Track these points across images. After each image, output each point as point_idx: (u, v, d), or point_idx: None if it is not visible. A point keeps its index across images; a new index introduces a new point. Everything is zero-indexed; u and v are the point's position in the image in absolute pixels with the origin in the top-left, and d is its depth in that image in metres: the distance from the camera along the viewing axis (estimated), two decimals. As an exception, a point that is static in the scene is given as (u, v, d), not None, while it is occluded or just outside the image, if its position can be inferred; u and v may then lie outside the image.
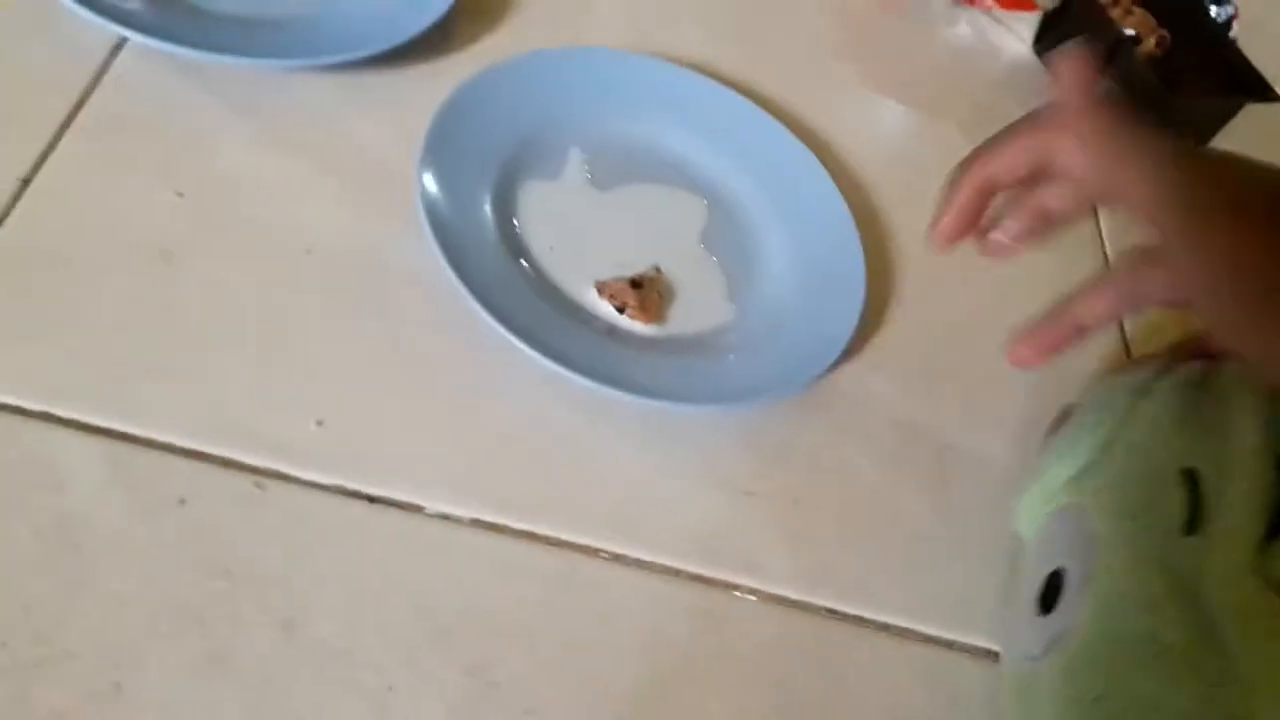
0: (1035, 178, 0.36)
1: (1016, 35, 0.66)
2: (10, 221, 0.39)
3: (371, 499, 0.38)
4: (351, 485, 0.38)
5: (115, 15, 0.43)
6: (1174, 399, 0.38)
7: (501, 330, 0.40)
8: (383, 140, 0.46)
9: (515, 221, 0.45)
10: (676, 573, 0.39)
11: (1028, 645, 0.36)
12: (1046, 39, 0.64)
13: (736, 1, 0.60)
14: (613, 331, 0.44)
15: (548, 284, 0.44)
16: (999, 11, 0.66)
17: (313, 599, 0.35)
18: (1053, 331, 0.36)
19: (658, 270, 0.46)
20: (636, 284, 0.45)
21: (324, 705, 0.33)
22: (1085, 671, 0.33)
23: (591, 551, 0.39)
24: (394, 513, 0.38)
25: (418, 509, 0.38)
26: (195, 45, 0.44)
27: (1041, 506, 0.40)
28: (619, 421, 0.42)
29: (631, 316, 0.44)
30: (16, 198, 0.40)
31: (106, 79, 0.44)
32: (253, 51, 0.45)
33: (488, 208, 0.45)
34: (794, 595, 0.39)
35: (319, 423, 0.38)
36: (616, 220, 0.48)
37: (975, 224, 0.38)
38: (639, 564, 0.39)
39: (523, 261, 0.44)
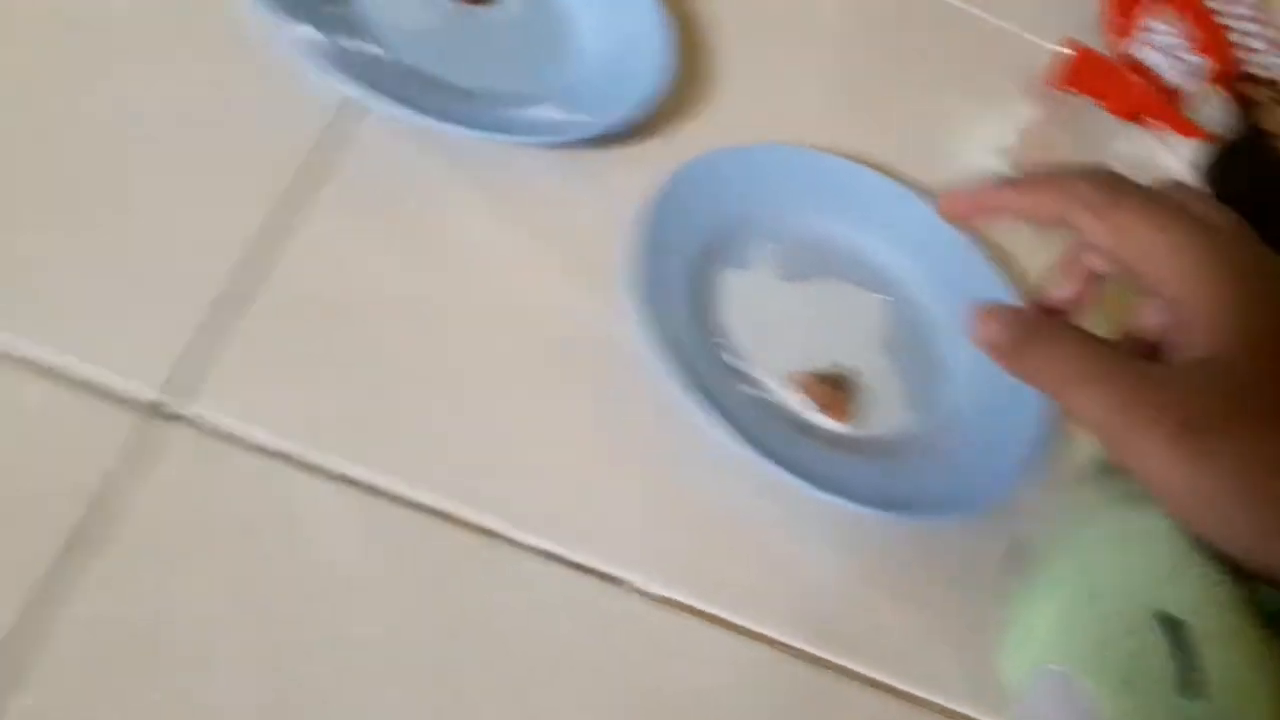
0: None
1: (1179, 157, 0.67)
2: (273, 276, 0.42)
3: (580, 567, 0.40)
4: (564, 553, 0.40)
5: (360, 76, 0.46)
6: (1128, 528, 0.35)
7: (700, 412, 0.42)
8: (595, 218, 0.49)
9: (710, 308, 0.48)
10: (856, 675, 0.40)
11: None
12: (1213, 168, 0.65)
13: (925, 111, 0.62)
14: (803, 426, 0.45)
15: (740, 371, 0.46)
16: (1165, 134, 0.67)
17: (535, 666, 0.37)
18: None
19: (845, 368, 0.48)
20: (830, 381, 0.46)
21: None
22: None
23: (780, 645, 0.40)
24: (599, 584, 0.40)
25: (621, 582, 0.40)
26: (431, 113, 0.47)
27: (1023, 661, 0.37)
28: (806, 514, 0.43)
29: (823, 413, 0.46)
30: (268, 249, 0.43)
31: (350, 139, 0.47)
32: (482, 125, 0.48)
33: (686, 293, 0.47)
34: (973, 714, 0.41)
35: (538, 488, 0.41)
36: (803, 314, 0.50)
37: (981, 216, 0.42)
38: (814, 660, 0.40)
39: (717, 346, 0.46)
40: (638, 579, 0.40)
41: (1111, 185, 0.36)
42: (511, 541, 0.39)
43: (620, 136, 0.51)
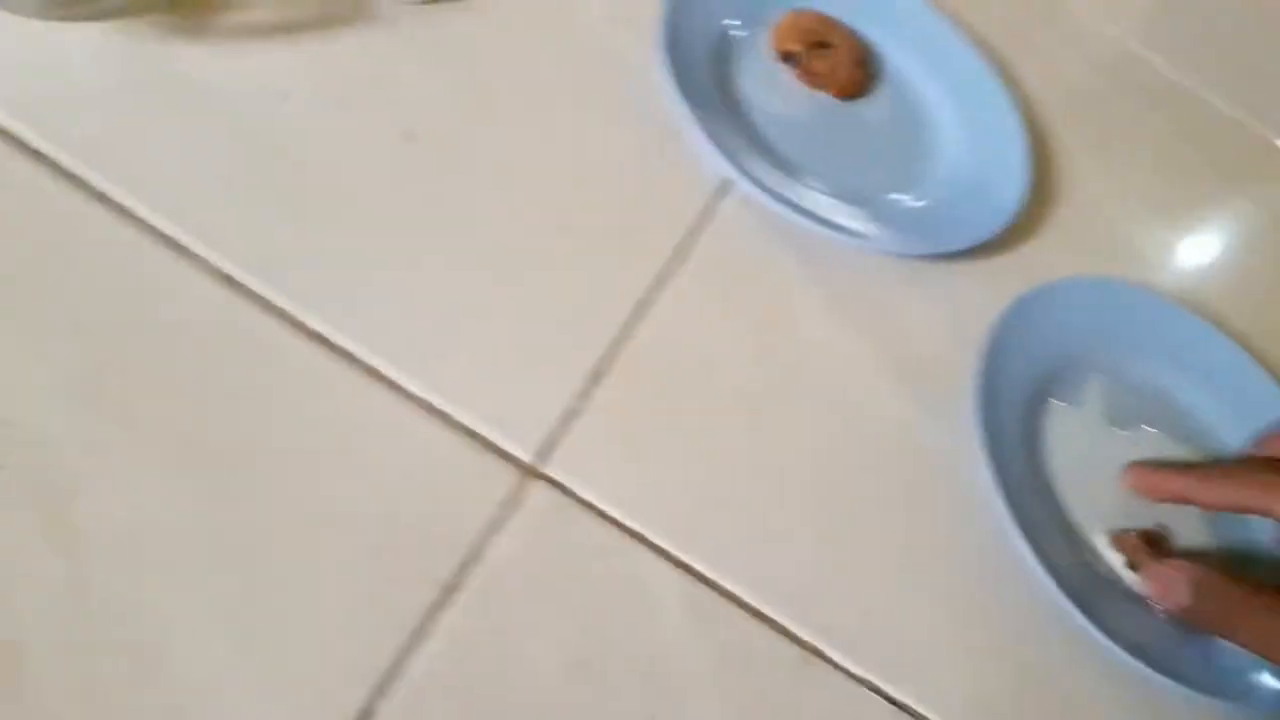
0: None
1: None
2: (630, 340, 0.43)
3: (893, 701, 0.39)
4: (879, 682, 0.39)
5: (732, 158, 0.47)
6: None
7: (1035, 566, 0.41)
8: (938, 331, 0.48)
9: (1038, 441, 0.46)
10: None
11: None
12: None
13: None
14: (1127, 592, 0.44)
15: (1062, 515, 0.45)
16: None
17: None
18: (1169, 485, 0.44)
19: (1167, 529, 0.46)
20: (1153, 541, 0.45)
21: None
22: None
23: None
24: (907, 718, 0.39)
25: (927, 722, 0.39)
26: (789, 205, 0.47)
27: None
28: (1126, 683, 0.42)
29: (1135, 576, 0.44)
30: (637, 317, 0.44)
31: (713, 217, 0.48)
32: (837, 226, 0.48)
33: (1019, 424, 0.46)
34: None
35: (859, 609, 0.40)
36: (1127, 460, 0.48)
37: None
38: None
39: (1047, 487, 0.45)
40: (941, 718, 0.39)
41: None
42: (835, 665, 0.39)
43: (967, 253, 0.50)
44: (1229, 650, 0.43)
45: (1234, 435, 0.50)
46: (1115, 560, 0.44)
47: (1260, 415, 0.50)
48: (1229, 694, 0.42)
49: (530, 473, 0.39)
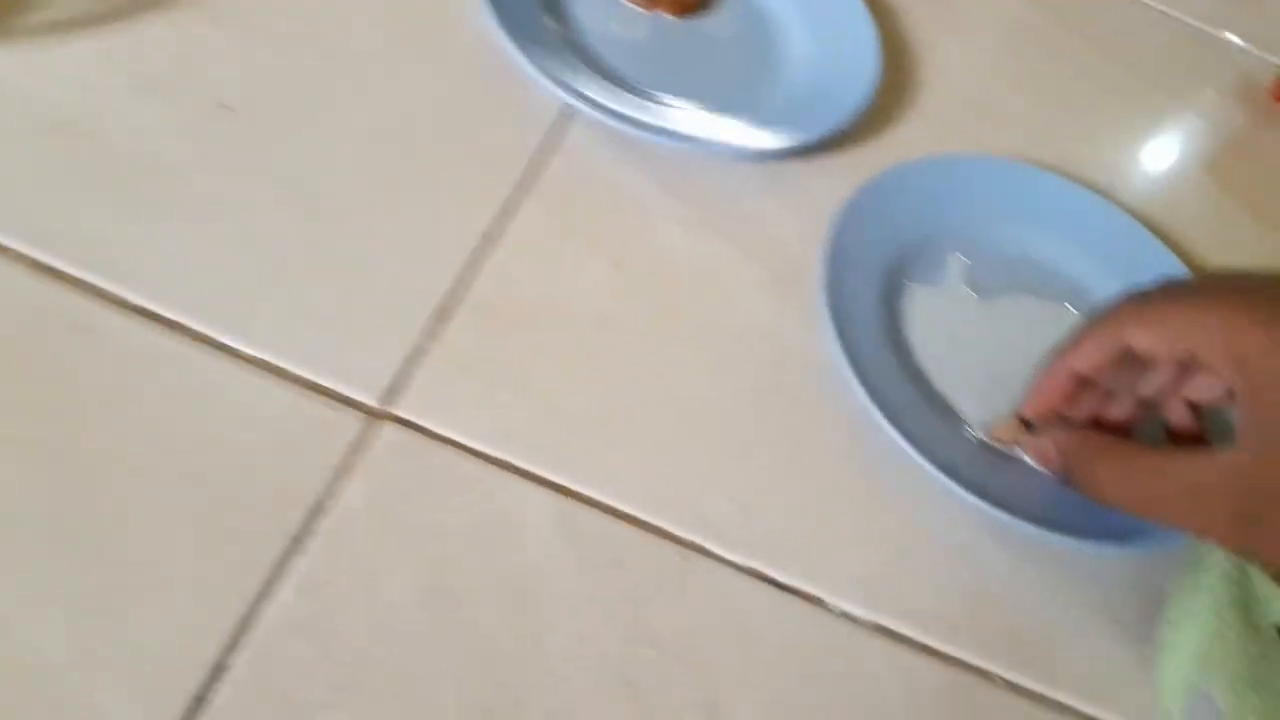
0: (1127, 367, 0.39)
1: None
2: (477, 275, 0.43)
3: (780, 586, 0.39)
4: (764, 570, 0.39)
5: (568, 87, 0.47)
6: None
7: (900, 442, 0.40)
8: (793, 229, 0.48)
9: (902, 326, 0.46)
10: (1071, 710, 0.38)
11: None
12: None
13: (1128, 116, 0.59)
14: (1001, 457, 0.43)
15: (935, 393, 0.44)
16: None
17: (733, 683, 0.36)
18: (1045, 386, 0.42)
19: None
20: (1029, 424, 0.43)
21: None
22: None
23: (987, 675, 0.38)
24: (799, 603, 0.38)
25: (821, 603, 0.39)
26: (636, 124, 0.47)
27: (1175, 684, 0.38)
28: (1009, 543, 0.41)
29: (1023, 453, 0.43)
30: (483, 253, 0.43)
31: (558, 147, 0.47)
32: (684, 136, 0.48)
33: (877, 309, 0.46)
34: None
35: (737, 504, 0.40)
36: (997, 331, 0.47)
37: (1059, 406, 0.41)
38: (1030, 694, 0.38)
39: (913, 366, 0.45)
40: (831, 597, 0.39)
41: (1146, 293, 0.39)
42: (718, 558, 0.39)
43: (823, 146, 0.50)
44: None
45: (1106, 288, 0.49)
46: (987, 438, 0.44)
47: (1133, 265, 0.50)
48: (1115, 539, 0.41)
49: (377, 415, 0.38)
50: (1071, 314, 0.49)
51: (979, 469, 0.42)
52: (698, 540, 0.39)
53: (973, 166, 0.51)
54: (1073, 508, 0.41)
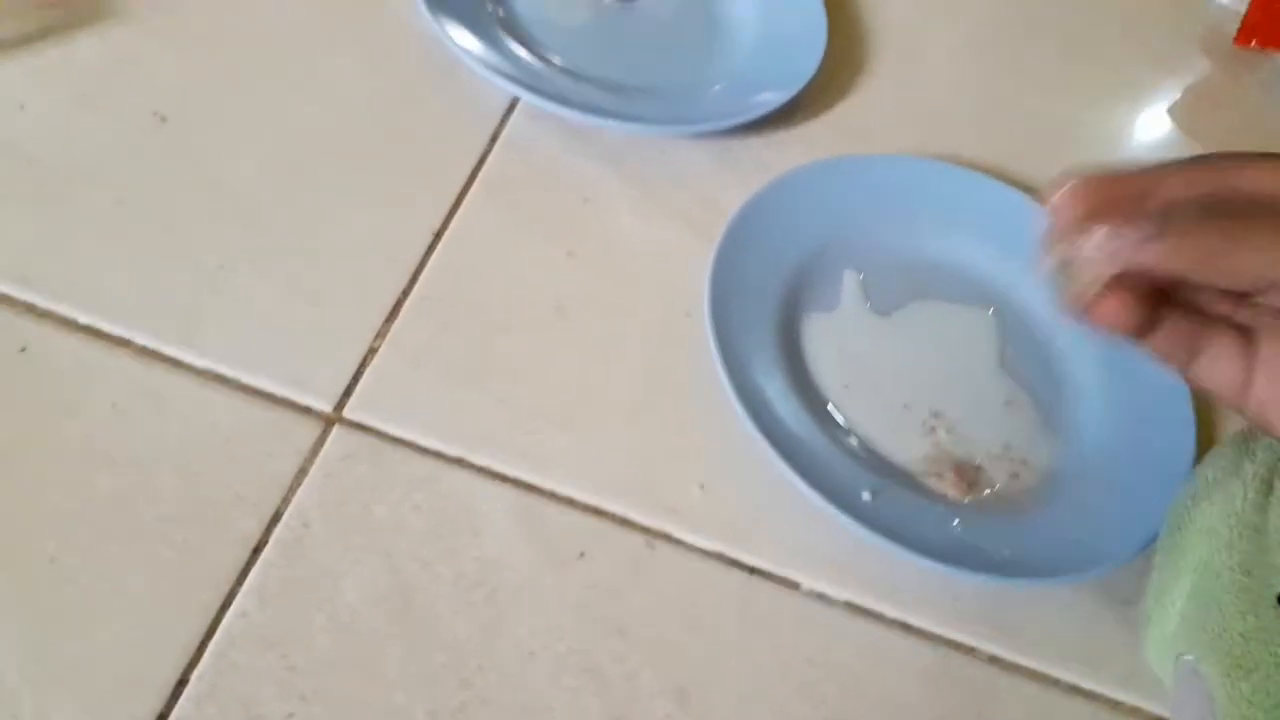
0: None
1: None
2: (426, 272, 0.42)
3: (750, 570, 0.38)
4: (731, 554, 0.38)
5: (510, 76, 0.46)
6: (1241, 505, 0.33)
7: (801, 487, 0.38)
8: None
9: (800, 353, 0.43)
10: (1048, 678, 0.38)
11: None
12: None
13: (1108, 80, 0.58)
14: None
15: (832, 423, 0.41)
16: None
17: (704, 669, 0.36)
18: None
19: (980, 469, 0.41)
20: (964, 473, 0.41)
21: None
22: None
23: (969, 650, 0.38)
24: (770, 586, 0.38)
25: (795, 585, 0.38)
26: (582, 109, 0.46)
27: (1163, 652, 0.36)
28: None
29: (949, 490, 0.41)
30: (430, 249, 0.43)
31: (503, 137, 0.47)
32: (631, 117, 0.47)
33: (775, 334, 0.42)
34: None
35: (701, 487, 0.39)
36: (904, 346, 0.44)
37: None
38: (1013, 666, 0.38)
39: (827, 408, 0.41)
40: (802, 577, 0.38)
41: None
42: (682, 544, 0.38)
43: (773, 119, 0.49)
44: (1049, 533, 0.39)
45: (1032, 287, 0.45)
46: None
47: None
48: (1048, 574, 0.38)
49: (330, 420, 0.38)
50: (981, 312, 0.45)
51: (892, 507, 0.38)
52: (662, 527, 0.38)
53: (865, 170, 0.47)
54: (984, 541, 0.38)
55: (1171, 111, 0.58)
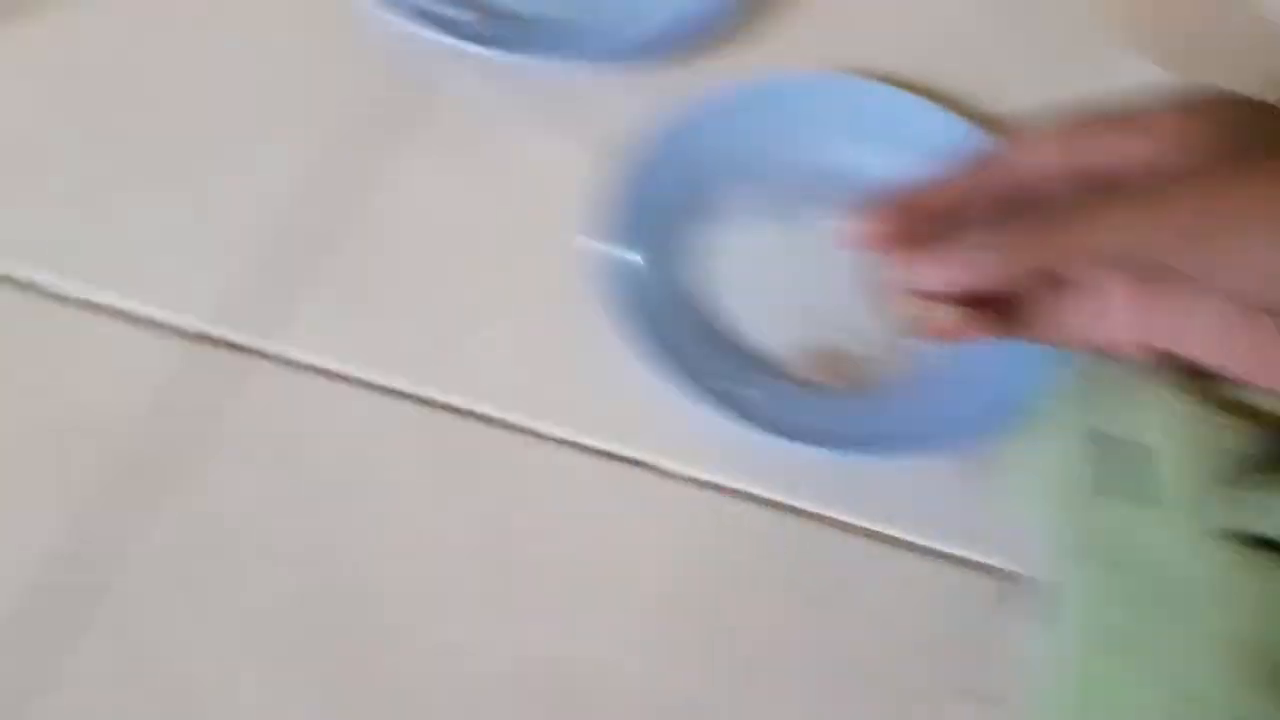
0: None
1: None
2: (317, 196, 0.44)
3: (628, 460, 0.40)
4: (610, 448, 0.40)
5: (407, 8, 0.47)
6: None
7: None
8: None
9: (690, 268, 0.44)
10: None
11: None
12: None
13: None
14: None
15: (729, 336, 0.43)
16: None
17: (598, 573, 0.38)
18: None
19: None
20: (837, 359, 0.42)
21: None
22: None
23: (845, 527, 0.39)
24: (646, 474, 0.40)
25: (672, 474, 0.40)
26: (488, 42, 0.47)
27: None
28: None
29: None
30: (330, 185, 0.45)
31: (397, 65, 0.48)
32: (532, 47, 0.48)
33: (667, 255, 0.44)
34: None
35: (591, 392, 0.41)
36: (789, 257, 0.45)
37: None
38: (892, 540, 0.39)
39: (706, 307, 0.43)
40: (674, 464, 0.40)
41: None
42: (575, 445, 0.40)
43: (690, 47, 0.49)
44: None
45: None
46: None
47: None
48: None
49: (216, 343, 0.41)
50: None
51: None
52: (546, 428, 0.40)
53: (762, 91, 0.47)
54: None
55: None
